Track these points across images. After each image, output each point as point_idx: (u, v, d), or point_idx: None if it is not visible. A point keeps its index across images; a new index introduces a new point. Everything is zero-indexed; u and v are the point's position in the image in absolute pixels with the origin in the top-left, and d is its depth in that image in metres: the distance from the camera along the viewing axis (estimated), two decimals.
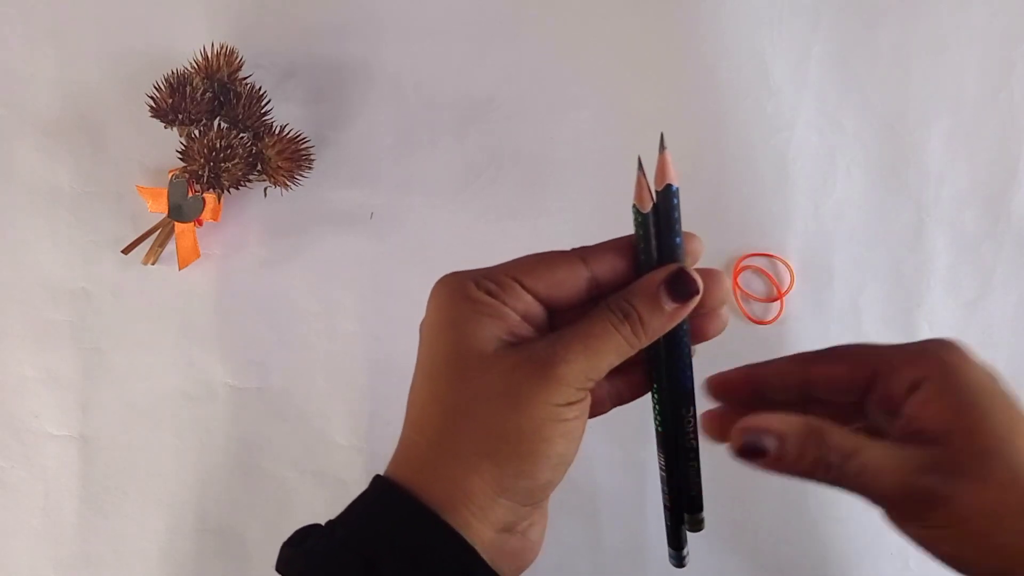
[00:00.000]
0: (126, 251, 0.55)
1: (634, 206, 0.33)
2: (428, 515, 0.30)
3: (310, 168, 0.55)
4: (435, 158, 0.57)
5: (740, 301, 0.55)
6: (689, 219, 0.58)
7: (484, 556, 0.30)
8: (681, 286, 0.32)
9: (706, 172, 0.56)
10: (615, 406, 0.35)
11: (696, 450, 0.36)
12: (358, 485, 0.56)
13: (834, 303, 0.56)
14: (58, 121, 0.57)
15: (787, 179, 0.56)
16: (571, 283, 0.33)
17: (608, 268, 0.33)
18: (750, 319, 0.55)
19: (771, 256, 0.55)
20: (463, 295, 0.32)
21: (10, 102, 0.57)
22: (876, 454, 0.30)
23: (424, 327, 0.33)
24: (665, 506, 0.38)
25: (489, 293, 0.32)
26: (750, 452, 0.31)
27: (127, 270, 0.56)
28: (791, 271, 0.55)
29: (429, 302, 0.33)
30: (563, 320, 0.33)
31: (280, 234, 0.57)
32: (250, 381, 0.56)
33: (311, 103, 0.57)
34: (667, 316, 0.32)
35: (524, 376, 0.30)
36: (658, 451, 0.37)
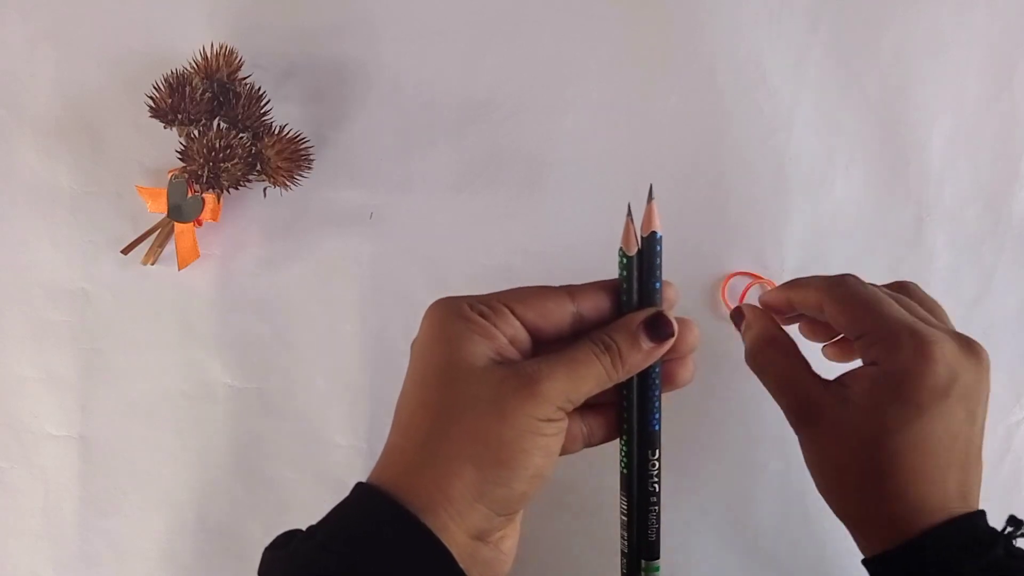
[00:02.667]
0: (126, 251, 0.55)
1: (620, 249, 0.36)
2: (407, 516, 0.31)
3: (310, 168, 0.55)
4: (435, 158, 0.57)
5: (728, 301, 0.55)
6: (687, 221, 0.58)
7: (458, 561, 0.32)
8: (658, 328, 0.35)
9: (704, 172, 0.56)
10: (586, 446, 0.38)
11: (658, 495, 0.38)
12: None
13: None
14: (58, 121, 0.57)
15: (785, 179, 0.56)
16: (558, 315, 0.35)
17: (593, 305, 0.36)
18: None
19: (759, 279, 0.55)
20: (457, 314, 0.34)
21: (10, 102, 0.57)
22: (784, 367, 0.41)
23: (416, 344, 0.35)
24: (622, 552, 0.39)
25: (482, 315, 0.34)
26: (735, 321, 0.45)
27: (127, 270, 0.56)
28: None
29: (423, 322, 0.35)
30: (546, 350, 0.35)
31: (280, 234, 0.57)
32: (250, 381, 0.56)
33: (311, 103, 0.57)
34: (644, 354, 0.35)
35: (511, 388, 0.32)
36: (620, 494, 0.38)
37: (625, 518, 0.38)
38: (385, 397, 0.56)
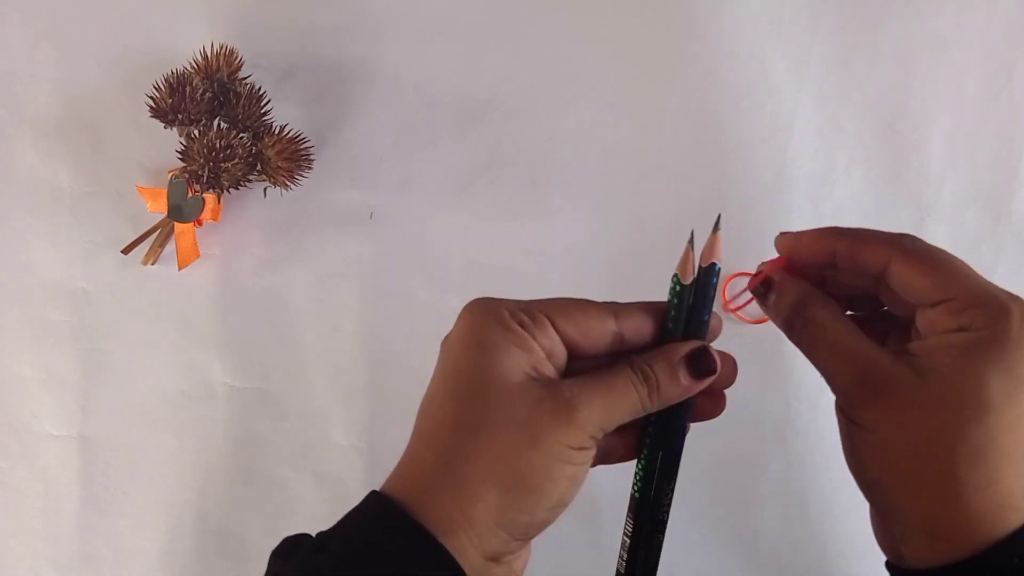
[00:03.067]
0: (126, 251, 0.55)
1: (675, 275, 0.34)
2: (427, 538, 0.30)
3: (310, 168, 0.55)
4: (435, 158, 0.57)
5: (728, 301, 0.55)
6: (687, 219, 0.58)
7: None
8: (702, 363, 0.34)
9: (705, 172, 0.56)
10: (600, 463, 0.36)
11: (665, 524, 0.37)
12: (358, 485, 0.56)
13: None
14: (58, 121, 0.57)
15: (786, 179, 0.56)
16: (598, 333, 0.34)
17: (635, 328, 0.34)
18: (745, 320, 0.55)
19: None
20: (497, 320, 0.32)
21: (10, 102, 0.57)
22: (839, 333, 0.34)
23: (450, 343, 0.34)
24: (618, 572, 0.38)
25: (521, 325, 0.32)
26: (757, 294, 0.37)
27: (127, 270, 0.56)
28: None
29: (459, 320, 0.34)
30: (580, 367, 0.34)
31: (280, 234, 0.57)
32: (250, 381, 0.56)
33: (311, 103, 0.57)
34: (682, 389, 0.34)
35: (546, 412, 0.31)
36: (627, 516, 0.37)
37: (628, 540, 0.37)
38: (385, 397, 0.56)
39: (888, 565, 0.35)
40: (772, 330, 0.55)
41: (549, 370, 0.33)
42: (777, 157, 0.56)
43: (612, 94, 0.57)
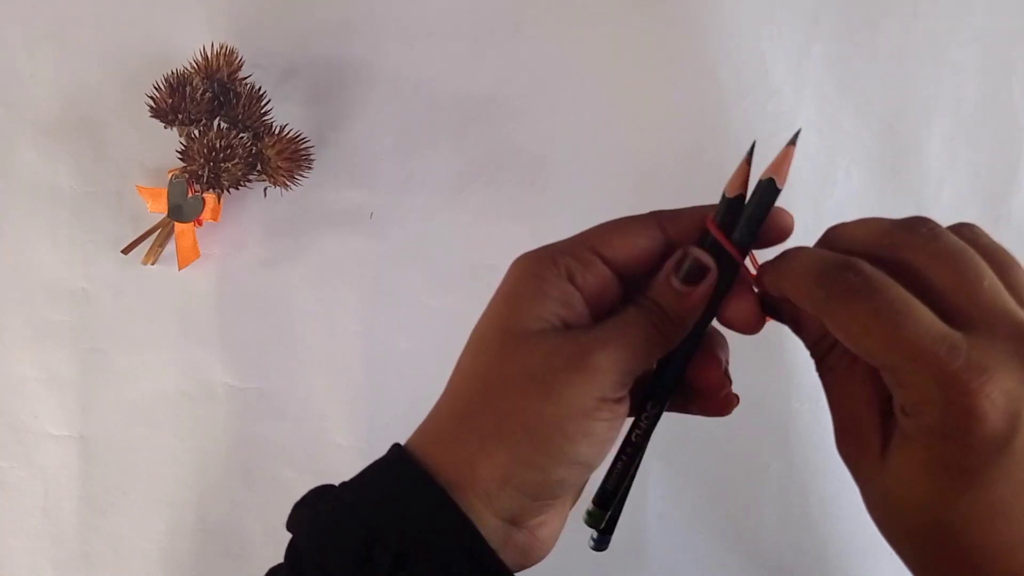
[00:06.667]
0: (126, 251, 0.55)
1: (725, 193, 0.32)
2: (435, 491, 0.30)
3: (310, 168, 0.55)
4: (435, 158, 0.57)
5: None
6: None
7: (489, 542, 0.30)
8: (688, 267, 0.31)
9: (705, 172, 0.56)
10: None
11: (635, 453, 0.34)
12: None
13: None
14: (58, 121, 0.57)
15: (786, 179, 0.56)
16: (649, 251, 0.32)
17: (685, 234, 0.32)
18: None
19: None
20: (532, 272, 0.31)
21: (10, 102, 0.57)
22: (920, 312, 0.27)
23: (492, 298, 0.33)
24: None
25: (568, 271, 0.31)
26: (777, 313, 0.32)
27: (127, 270, 0.56)
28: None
29: (505, 275, 0.33)
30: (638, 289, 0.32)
31: (280, 234, 0.57)
32: (250, 381, 0.56)
33: (311, 103, 0.57)
34: (680, 297, 0.31)
35: (561, 360, 0.29)
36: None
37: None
38: (385, 397, 0.56)
39: None
40: (772, 330, 0.55)
41: (583, 319, 0.31)
42: None
43: (612, 94, 0.57)
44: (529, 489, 0.30)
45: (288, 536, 0.33)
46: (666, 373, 0.33)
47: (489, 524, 0.30)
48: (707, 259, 0.31)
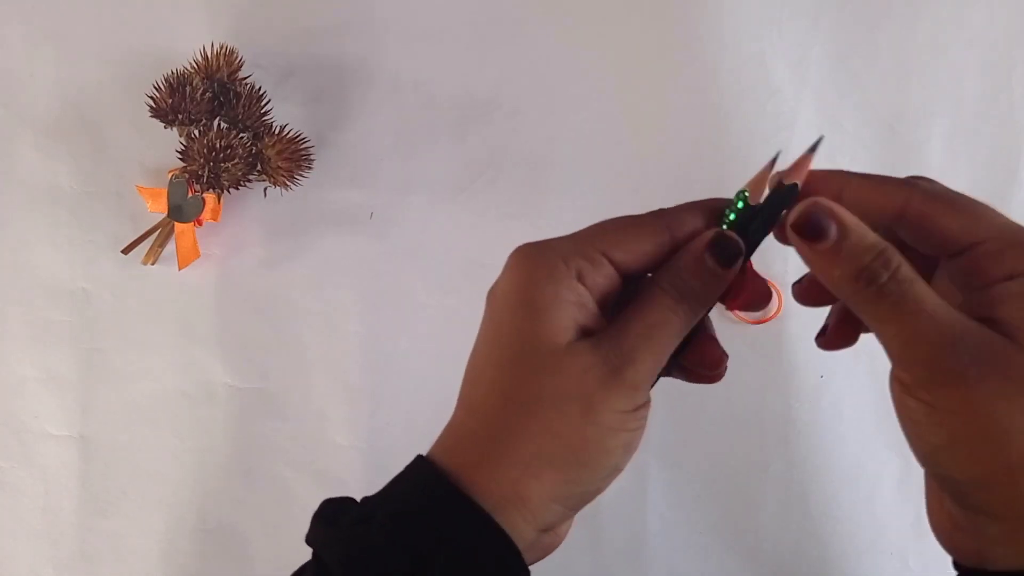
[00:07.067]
0: (126, 251, 0.55)
1: (741, 193, 0.33)
2: (481, 516, 0.29)
3: (310, 168, 0.55)
4: (435, 158, 0.57)
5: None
6: None
7: (524, 555, 0.30)
8: (723, 245, 0.31)
9: (705, 172, 0.56)
10: None
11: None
12: (358, 485, 0.56)
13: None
14: (58, 121, 0.57)
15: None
16: (653, 252, 0.32)
17: (690, 234, 0.32)
18: (745, 320, 0.55)
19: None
20: (548, 274, 0.30)
21: (10, 102, 0.57)
22: (930, 298, 0.28)
23: (496, 299, 0.32)
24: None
25: (579, 272, 0.31)
26: (809, 228, 0.30)
27: (127, 270, 0.56)
28: (779, 295, 0.55)
29: (507, 271, 0.32)
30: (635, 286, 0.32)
31: (280, 234, 0.57)
32: (250, 381, 0.56)
33: (311, 103, 0.57)
34: (716, 277, 0.31)
35: (596, 380, 0.29)
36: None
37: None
38: (385, 397, 0.56)
39: (958, 565, 0.30)
40: (772, 330, 0.55)
41: (598, 320, 0.31)
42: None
43: (612, 94, 0.57)
44: (572, 503, 0.31)
45: (301, 545, 0.32)
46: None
47: (527, 537, 0.30)
48: (740, 241, 0.31)
